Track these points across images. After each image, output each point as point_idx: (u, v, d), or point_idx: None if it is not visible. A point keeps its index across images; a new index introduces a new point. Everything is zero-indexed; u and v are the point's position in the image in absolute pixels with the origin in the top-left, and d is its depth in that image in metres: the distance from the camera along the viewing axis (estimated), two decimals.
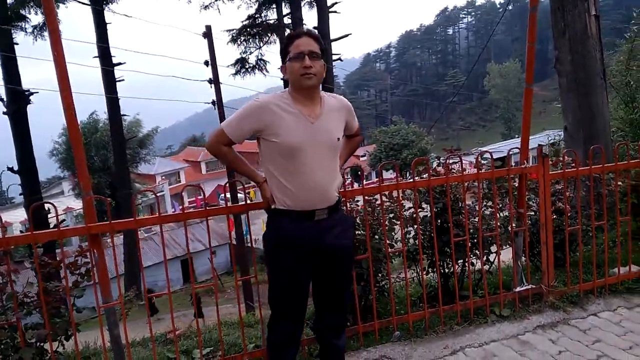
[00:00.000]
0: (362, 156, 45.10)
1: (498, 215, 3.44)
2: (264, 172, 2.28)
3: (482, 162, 3.38)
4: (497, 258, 3.50)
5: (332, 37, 17.03)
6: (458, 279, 3.35)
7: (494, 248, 3.48)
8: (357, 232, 3.19)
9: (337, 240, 2.26)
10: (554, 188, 3.72)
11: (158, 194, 33.93)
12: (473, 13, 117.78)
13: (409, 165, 4.15)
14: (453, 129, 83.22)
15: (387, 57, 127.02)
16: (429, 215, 3.30)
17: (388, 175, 25.91)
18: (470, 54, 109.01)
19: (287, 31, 16.34)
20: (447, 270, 3.47)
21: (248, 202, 3.05)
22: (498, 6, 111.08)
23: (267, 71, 19.78)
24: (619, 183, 3.82)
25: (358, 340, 3.06)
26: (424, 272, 3.37)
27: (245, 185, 3.57)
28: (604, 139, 5.05)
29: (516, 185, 3.45)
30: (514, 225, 3.34)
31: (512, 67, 76.58)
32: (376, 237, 3.24)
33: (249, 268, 13.93)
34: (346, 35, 18.83)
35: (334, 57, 17.35)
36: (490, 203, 3.49)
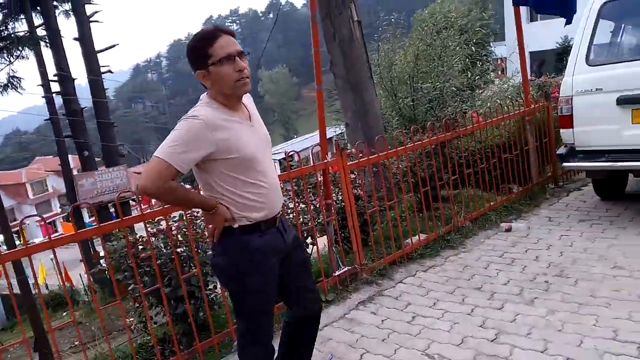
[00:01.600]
0: None
1: (311, 208, 3.70)
2: (211, 194, 1.97)
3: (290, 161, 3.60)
4: (315, 248, 3.76)
5: (97, 48, 15.81)
6: None
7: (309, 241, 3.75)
8: (180, 250, 3.09)
9: (291, 233, 2.19)
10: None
11: None
12: (238, 21, 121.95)
13: None
14: None
15: (159, 67, 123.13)
16: None
17: None
18: None
19: (43, 43, 14.61)
20: None
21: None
22: (260, 14, 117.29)
23: (22, 89, 17.34)
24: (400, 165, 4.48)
25: None
26: None
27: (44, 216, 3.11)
28: (377, 129, 5.80)
29: (321, 179, 3.75)
30: (325, 215, 3.64)
31: (281, 73, 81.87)
32: (199, 250, 3.18)
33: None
34: (113, 46, 17.62)
35: (103, 70, 16.11)
36: (303, 199, 3.73)
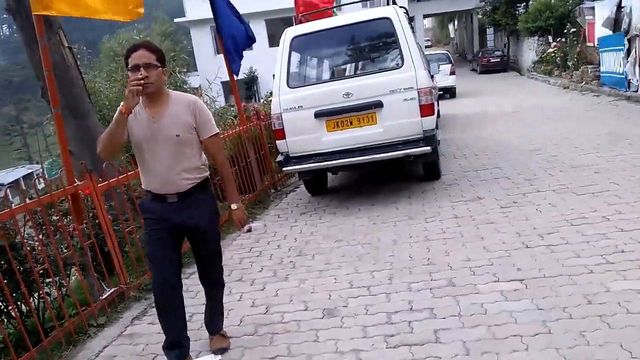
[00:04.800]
0: None
1: (69, 236, 3.52)
2: None
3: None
4: (78, 276, 3.58)
5: None
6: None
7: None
8: None
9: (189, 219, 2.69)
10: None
11: None
12: None
13: None
14: None
15: None
16: None
17: None
18: None
19: None
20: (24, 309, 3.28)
21: None
22: None
23: None
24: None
25: None
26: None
27: None
28: None
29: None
30: (83, 240, 3.52)
31: None
32: None
33: None
34: None
35: None
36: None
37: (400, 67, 5.18)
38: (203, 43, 26.55)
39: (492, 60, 26.61)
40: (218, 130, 2.78)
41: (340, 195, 6.17)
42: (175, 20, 28.53)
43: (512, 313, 2.85)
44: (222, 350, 2.92)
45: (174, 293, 2.73)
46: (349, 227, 4.84)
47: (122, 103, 2.43)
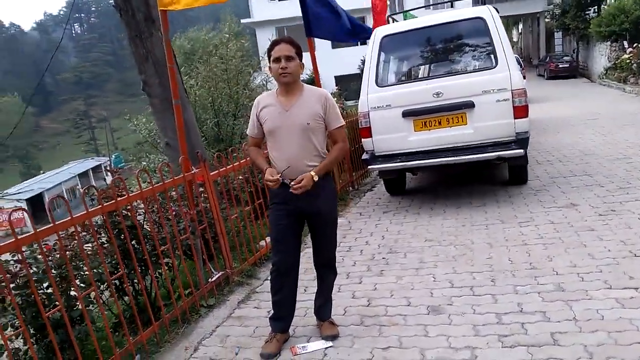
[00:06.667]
0: None
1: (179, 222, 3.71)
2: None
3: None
4: (194, 259, 3.77)
5: None
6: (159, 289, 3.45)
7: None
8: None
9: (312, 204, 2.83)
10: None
11: None
12: None
13: None
14: None
15: None
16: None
17: None
18: None
19: None
20: (147, 285, 3.49)
21: None
22: None
23: None
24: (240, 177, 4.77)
25: None
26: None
27: None
28: (199, 147, 5.94)
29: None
30: (197, 225, 3.71)
31: (11, 101, 70.88)
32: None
33: None
34: None
35: None
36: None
37: (494, 68, 5.12)
38: (268, 44, 27.07)
39: (560, 66, 25.64)
40: (344, 123, 2.90)
41: (420, 196, 6.16)
42: (242, 21, 29.27)
43: (631, 320, 2.77)
44: (332, 338, 3.01)
45: (291, 274, 2.96)
46: (437, 228, 4.84)
47: (269, 172, 2.78)
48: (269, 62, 2.78)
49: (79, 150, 63.07)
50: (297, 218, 2.91)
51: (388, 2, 8.77)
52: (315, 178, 2.76)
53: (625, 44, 19.14)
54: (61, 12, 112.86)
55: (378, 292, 3.62)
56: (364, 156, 5.71)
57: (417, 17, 7.96)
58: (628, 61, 17.62)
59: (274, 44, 2.75)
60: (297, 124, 2.76)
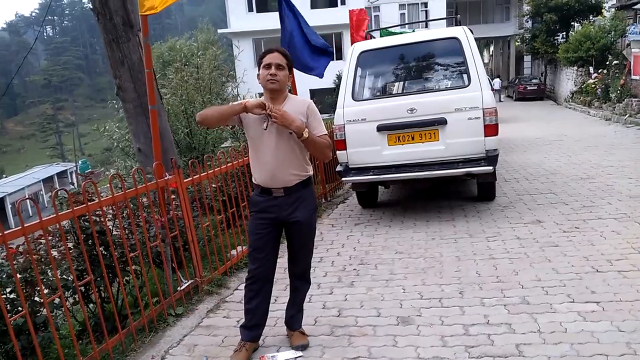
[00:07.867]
0: None
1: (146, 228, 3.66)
2: None
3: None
4: (164, 266, 3.72)
5: None
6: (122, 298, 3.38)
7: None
8: None
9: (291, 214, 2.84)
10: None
11: None
12: None
13: None
14: None
15: None
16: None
17: None
18: None
19: None
20: (114, 292, 3.42)
21: None
22: None
23: None
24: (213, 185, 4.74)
25: None
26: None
27: None
28: (172, 153, 5.89)
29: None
30: (168, 232, 3.67)
31: None
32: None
33: None
34: None
35: None
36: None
37: (467, 86, 5.26)
38: (243, 55, 27.16)
39: (528, 88, 26.47)
40: (326, 132, 2.92)
41: (391, 209, 6.24)
42: (219, 30, 29.23)
43: (593, 333, 2.87)
44: (303, 347, 3.01)
45: (267, 284, 2.98)
46: (408, 241, 4.90)
47: (250, 99, 2.75)
48: (259, 69, 2.80)
49: (44, 155, 61.32)
50: (276, 227, 2.91)
51: (367, 20, 8.94)
52: (306, 134, 2.70)
53: (591, 69, 19.90)
54: (33, 14, 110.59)
55: (348, 302, 3.64)
56: (338, 168, 5.76)
57: (396, 33, 8.13)
58: (593, 86, 18.31)
59: (267, 52, 2.79)
60: (281, 131, 2.77)
